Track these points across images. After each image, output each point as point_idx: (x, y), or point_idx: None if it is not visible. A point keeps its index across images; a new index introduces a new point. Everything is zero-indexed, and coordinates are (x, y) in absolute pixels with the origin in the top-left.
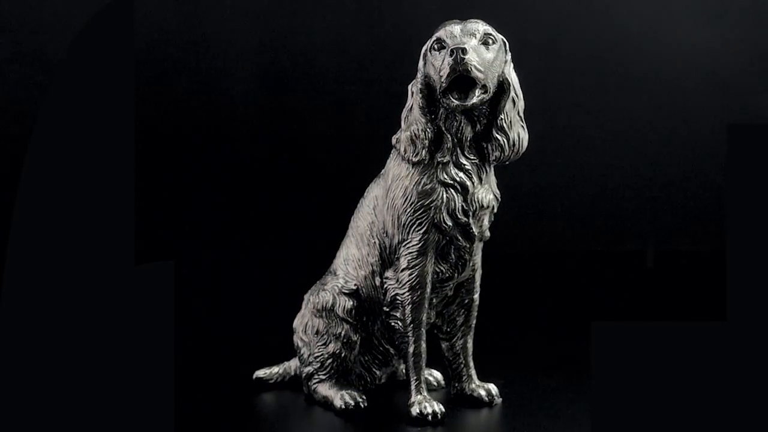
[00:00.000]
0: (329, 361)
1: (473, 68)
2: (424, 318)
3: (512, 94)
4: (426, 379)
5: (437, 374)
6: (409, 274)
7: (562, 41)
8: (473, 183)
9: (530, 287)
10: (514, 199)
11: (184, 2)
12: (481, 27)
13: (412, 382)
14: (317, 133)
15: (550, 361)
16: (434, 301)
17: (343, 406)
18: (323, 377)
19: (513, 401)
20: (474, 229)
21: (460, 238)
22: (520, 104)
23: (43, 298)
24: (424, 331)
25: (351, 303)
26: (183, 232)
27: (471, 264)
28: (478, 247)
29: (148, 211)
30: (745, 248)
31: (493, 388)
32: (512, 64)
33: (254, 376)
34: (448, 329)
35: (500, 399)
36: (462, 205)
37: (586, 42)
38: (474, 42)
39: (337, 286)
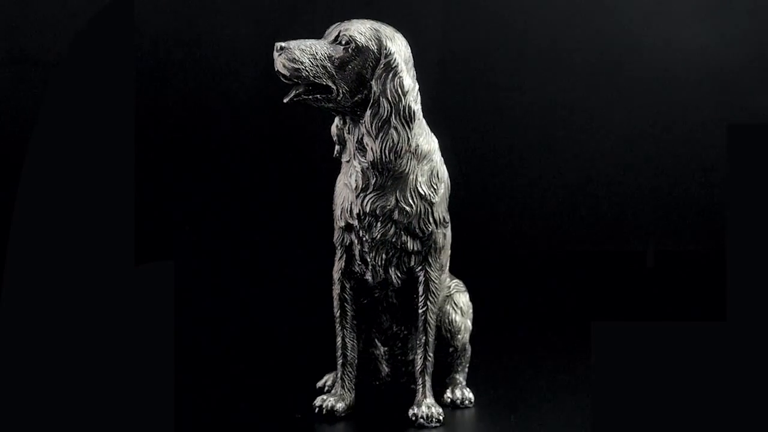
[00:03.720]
0: None
1: (281, 66)
2: (348, 313)
3: (383, 100)
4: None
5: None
6: (333, 269)
7: (562, 41)
8: (362, 186)
9: (530, 287)
10: (514, 199)
11: (184, 2)
12: (341, 26)
13: (337, 376)
14: (318, 134)
15: (550, 361)
16: (383, 305)
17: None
18: None
19: (513, 401)
20: (364, 234)
21: (356, 240)
22: (397, 111)
23: (43, 298)
24: (348, 328)
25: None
26: (183, 232)
27: (392, 272)
28: (421, 258)
29: (148, 211)
30: (745, 248)
31: (434, 411)
32: (397, 71)
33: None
34: (399, 343)
35: (437, 424)
36: (350, 207)
37: (587, 42)
38: (313, 41)
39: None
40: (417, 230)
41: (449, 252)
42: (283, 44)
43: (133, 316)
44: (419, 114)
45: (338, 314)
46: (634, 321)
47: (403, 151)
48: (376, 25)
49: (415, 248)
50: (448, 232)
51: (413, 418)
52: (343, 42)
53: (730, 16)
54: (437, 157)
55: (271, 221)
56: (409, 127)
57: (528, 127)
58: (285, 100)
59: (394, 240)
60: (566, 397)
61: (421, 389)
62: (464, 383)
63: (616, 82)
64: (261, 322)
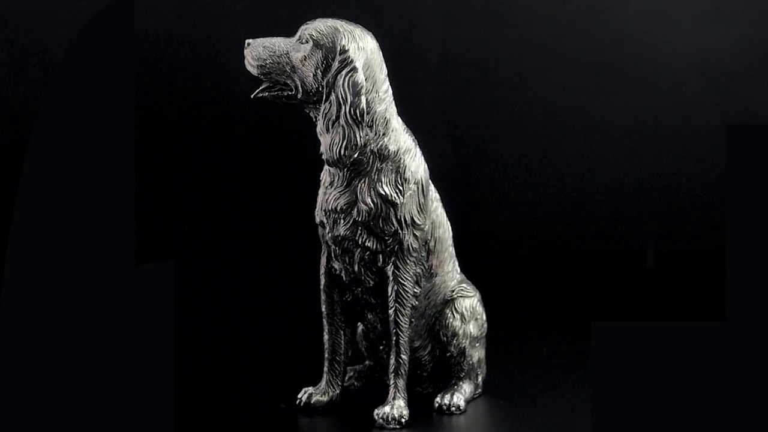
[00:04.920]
0: None
1: (247, 62)
2: (335, 309)
3: (333, 97)
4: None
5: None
6: (320, 264)
7: (561, 41)
8: (328, 182)
9: (530, 287)
10: (514, 199)
11: (184, 2)
12: (306, 25)
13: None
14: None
15: (550, 360)
16: (361, 304)
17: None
18: None
19: (513, 401)
20: (330, 231)
21: (327, 236)
22: (345, 110)
23: (43, 298)
24: (335, 323)
25: None
26: (183, 232)
27: (363, 271)
28: (387, 259)
29: (148, 211)
30: (745, 248)
31: (395, 412)
32: (350, 69)
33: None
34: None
35: (396, 426)
36: (323, 203)
37: (587, 42)
38: (279, 38)
39: None
40: (378, 230)
41: (446, 254)
42: (249, 41)
43: (133, 316)
44: (386, 113)
45: (324, 310)
46: (634, 321)
47: (348, 150)
48: (340, 23)
49: (378, 248)
50: (444, 233)
51: (375, 417)
52: (303, 40)
53: (730, 16)
54: (408, 158)
55: (271, 221)
56: (358, 126)
57: (528, 127)
58: (252, 96)
59: (356, 238)
60: (566, 397)
61: (392, 389)
62: (462, 390)
63: (616, 82)
64: (261, 322)
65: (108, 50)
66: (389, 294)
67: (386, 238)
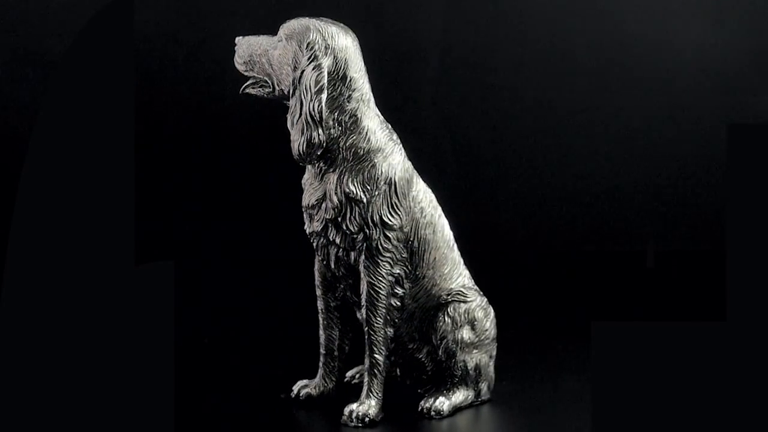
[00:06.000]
0: None
1: (234, 60)
2: (330, 303)
3: (297, 94)
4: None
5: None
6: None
7: (561, 41)
8: (307, 178)
9: (530, 287)
10: (514, 198)
11: (184, 2)
12: (284, 23)
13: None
14: None
15: (550, 360)
16: (349, 302)
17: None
18: None
19: (513, 401)
20: (308, 225)
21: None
22: (306, 108)
23: (43, 298)
24: (330, 318)
25: None
26: (183, 232)
27: (338, 268)
28: (359, 257)
29: (148, 211)
30: (745, 248)
31: (361, 410)
32: (313, 66)
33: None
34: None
35: (359, 424)
36: (302, 198)
37: (586, 42)
38: (263, 36)
39: None
40: (344, 227)
41: (440, 256)
42: (238, 39)
43: (133, 316)
44: (357, 112)
45: (319, 306)
46: (634, 321)
47: (307, 148)
48: (314, 21)
49: (347, 246)
50: (434, 234)
51: (344, 412)
52: (279, 38)
53: (730, 16)
54: (379, 157)
55: (271, 220)
56: (316, 125)
57: (528, 127)
58: (240, 91)
59: (328, 235)
60: (566, 397)
61: (365, 388)
62: (452, 395)
63: (616, 82)
64: (261, 322)
65: (108, 50)
66: (361, 292)
67: (354, 236)
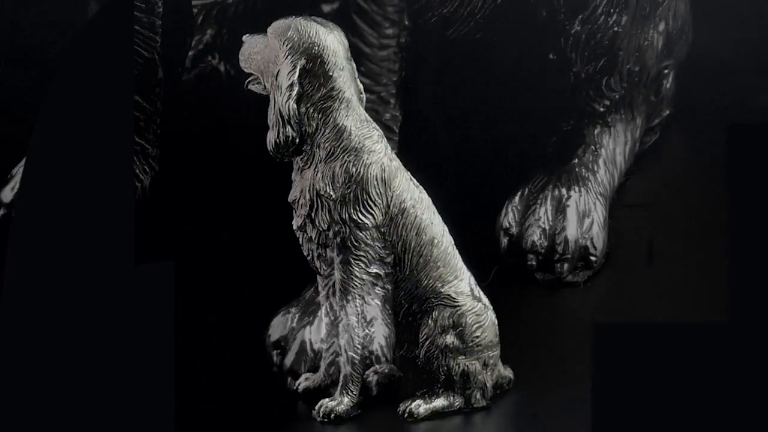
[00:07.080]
0: None
1: (238, 58)
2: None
3: (273, 91)
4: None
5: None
6: None
7: (562, 41)
8: (294, 174)
9: (530, 287)
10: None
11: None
12: (274, 21)
13: None
14: None
15: (550, 361)
16: None
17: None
18: None
19: (512, 401)
20: (294, 220)
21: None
22: (277, 105)
23: (43, 298)
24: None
25: None
26: (183, 232)
27: (319, 264)
28: (333, 251)
29: (148, 211)
30: (745, 248)
31: (329, 405)
32: (286, 64)
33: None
34: None
35: (324, 420)
36: (290, 193)
37: (587, 42)
38: (260, 36)
39: None
40: (316, 222)
41: (429, 260)
42: (244, 37)
43: (133, 316)
44: (330, 111)
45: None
46: (634, 321)
47: (274, 144)
48: (299, 19)
49: (319, 242)
50: (425, 238)
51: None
52: (268, 37)
53: (730, 16)
54: (351, 157)
55: (272, 221)
56: (285, 123)
57: (528, 127)
58: (244, 87)
59: (306, 230)
60: (566, 398)
61: (339, 386)
62: (432, 399)
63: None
64: (261, 322)
65: (108, 50)
66: (336, 290)
67: (326, 232)
